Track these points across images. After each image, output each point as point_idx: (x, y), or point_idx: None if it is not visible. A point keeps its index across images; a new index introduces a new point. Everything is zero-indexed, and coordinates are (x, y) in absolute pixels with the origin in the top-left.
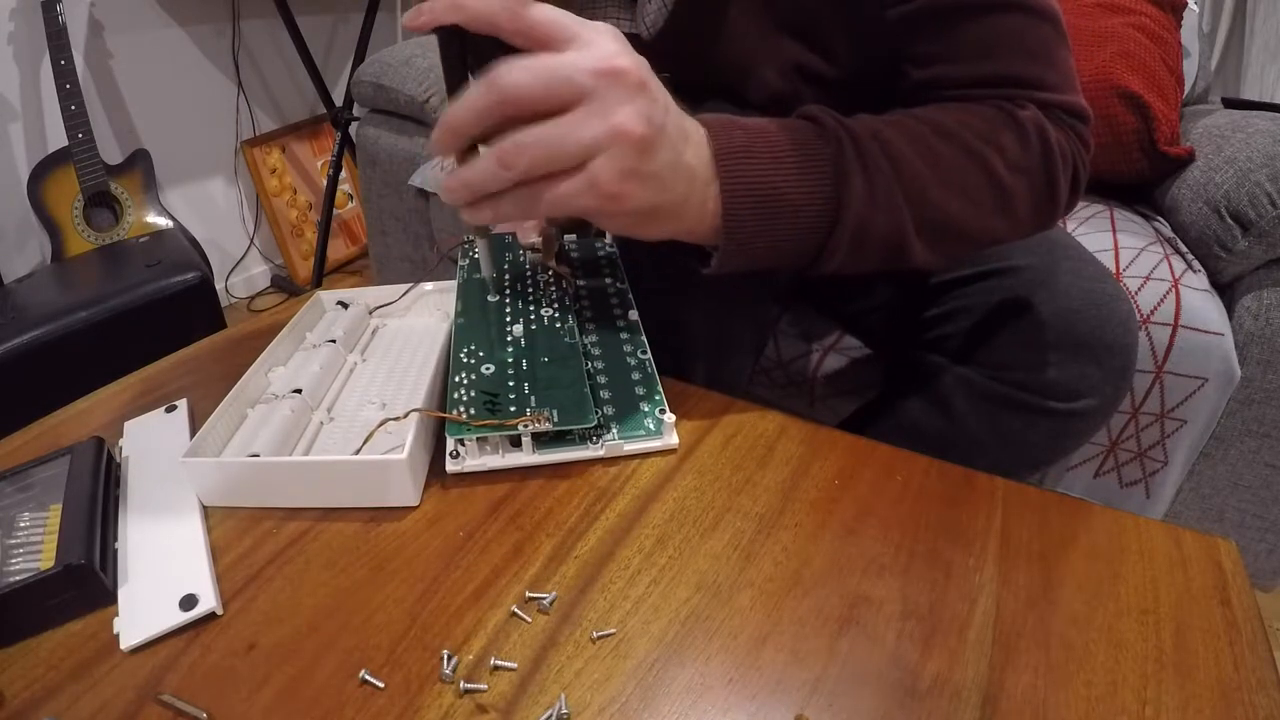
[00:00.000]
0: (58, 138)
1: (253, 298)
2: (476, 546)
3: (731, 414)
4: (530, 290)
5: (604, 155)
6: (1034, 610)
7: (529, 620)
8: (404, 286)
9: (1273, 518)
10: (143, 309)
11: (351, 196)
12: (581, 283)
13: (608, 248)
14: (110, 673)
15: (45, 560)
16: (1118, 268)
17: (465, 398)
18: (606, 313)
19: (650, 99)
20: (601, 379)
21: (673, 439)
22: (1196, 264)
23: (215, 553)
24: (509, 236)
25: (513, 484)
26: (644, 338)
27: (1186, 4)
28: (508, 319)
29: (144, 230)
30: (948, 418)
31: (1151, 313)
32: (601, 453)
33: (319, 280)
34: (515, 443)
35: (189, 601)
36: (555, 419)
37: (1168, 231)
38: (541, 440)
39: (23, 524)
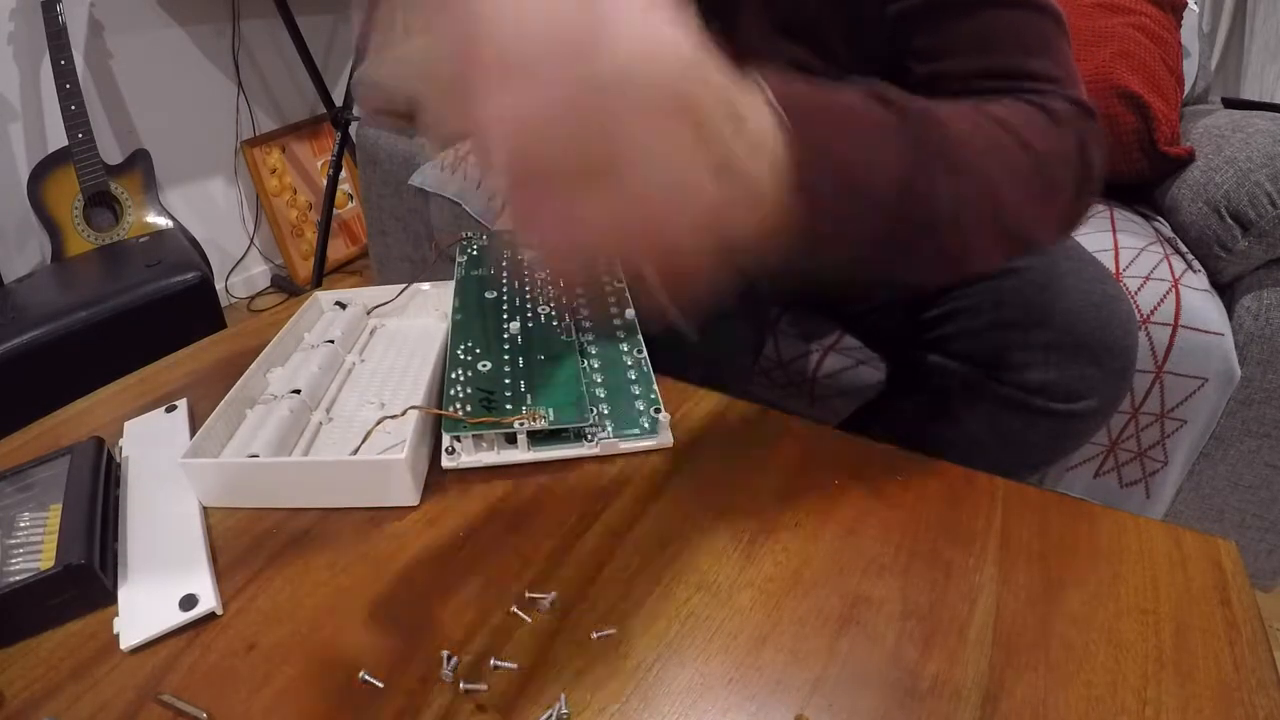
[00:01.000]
0: (58, 138)
1: (253, 298)
2: (476, 546)
3: (731, 414)
4: (527, 288)
5: None
6: (1034, 610)
7: (529, 620)
8: (401, 286)
9: (1273, 518)
10: (143, 309)
11: (351, 196)
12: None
13: None
14: (110, 673)
15: (45, 560)
16: (1118, 268)
17: (461, 395)
18: (603, 311)
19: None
20: (597, 377)
21: (667, 438)
22: (1196, 264)
23: (215, 553)
24: (508, 235)
25: (512, 484)
26: (640, 336)
27: (1186, 4)
28: (504, 316)
29: (144, 230)
30: (948, 418)
31: (1151, 313)
32: (596, 450)
33: (319, 280)
34: (511, 439)
35: (189, 601)
36: (550, 417)
37: (1168, 231)
38: (537, 438)
39: (23, 524)
